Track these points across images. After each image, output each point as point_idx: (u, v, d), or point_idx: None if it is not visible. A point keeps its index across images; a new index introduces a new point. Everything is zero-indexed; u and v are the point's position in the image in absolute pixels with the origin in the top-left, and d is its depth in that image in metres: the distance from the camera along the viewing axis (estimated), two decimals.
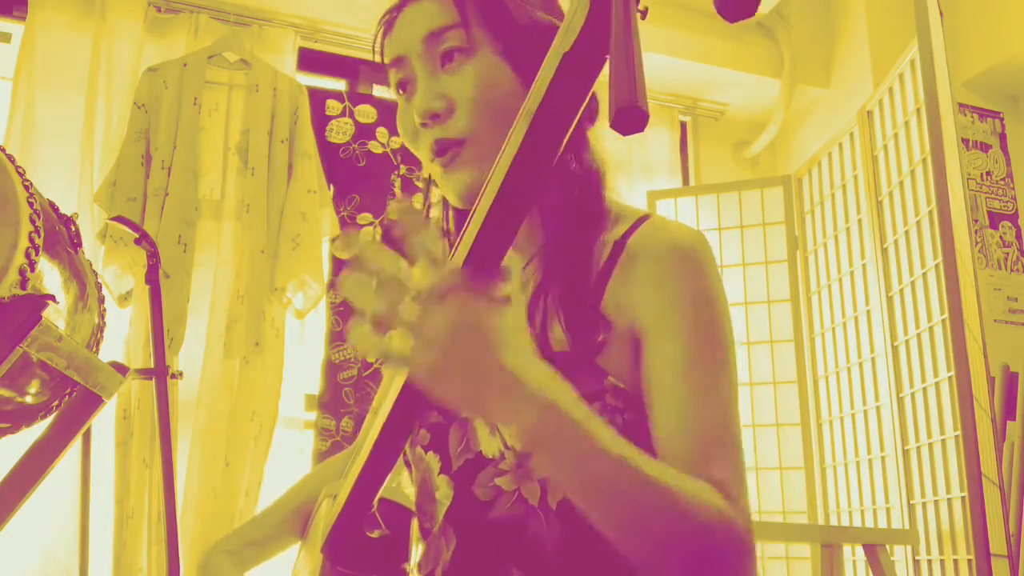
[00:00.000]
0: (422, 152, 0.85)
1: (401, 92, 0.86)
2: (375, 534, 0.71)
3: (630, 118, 0.44)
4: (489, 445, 0.80)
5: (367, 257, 0.54)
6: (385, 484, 0.68)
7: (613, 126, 0.45)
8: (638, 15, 0.48)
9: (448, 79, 0.81)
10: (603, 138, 0.88)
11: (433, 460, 0.85)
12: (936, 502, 2.25)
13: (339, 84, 2.90)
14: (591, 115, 0.87)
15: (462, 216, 0.94)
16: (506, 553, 0.79)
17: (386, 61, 0.86)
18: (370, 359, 0.60)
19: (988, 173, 3.10)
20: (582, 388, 0.72)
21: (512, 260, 0.88)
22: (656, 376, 0.75)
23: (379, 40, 0.88)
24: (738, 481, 0.71)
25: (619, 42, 0.46)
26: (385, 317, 0.53)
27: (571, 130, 0.53)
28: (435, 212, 1.03)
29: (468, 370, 0.55)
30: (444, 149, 0.81)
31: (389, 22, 0.86)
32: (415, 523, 0.78)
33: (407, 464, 0.92)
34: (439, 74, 0.82)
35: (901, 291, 2.45)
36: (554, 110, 0.52)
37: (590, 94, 0.53)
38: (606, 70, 0.49)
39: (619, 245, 0.81)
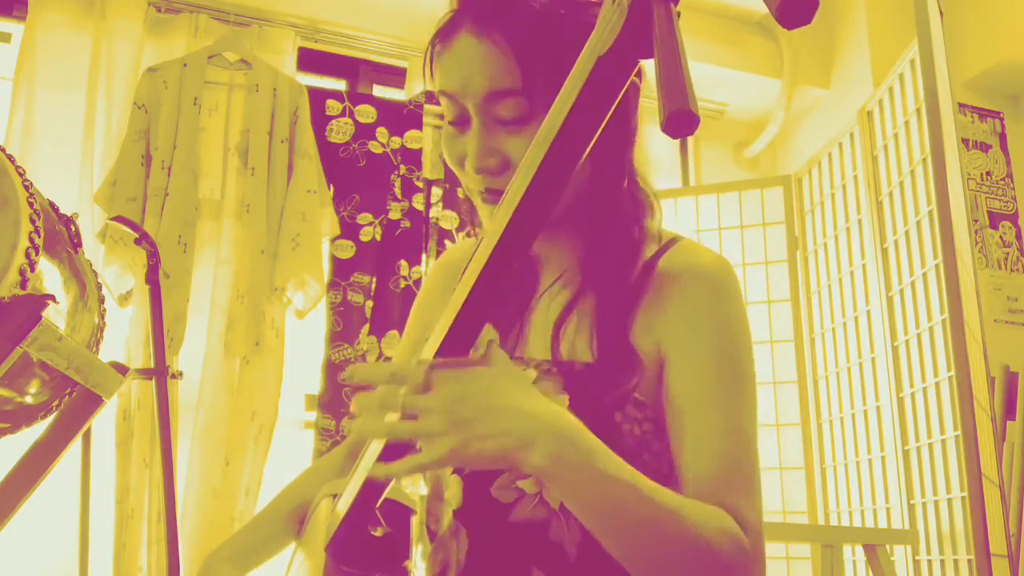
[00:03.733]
0: (466, 178, 0.85)
1: (452, 121, 0.84)
2: (379, 532, 0.71)
3: (682, 122, 0.45)
4: None
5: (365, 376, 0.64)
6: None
7: (665, 130, 0.45)
8: (678, 21, 0.48)
9: (505, 138, 0.80)
10: (648, 165, 0.89)
11: None
12: (936, 502, 2.25)
13: (339, 84, 2.91)
14: (630, 138, 0.86)
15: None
16: (527, 554, 0.80)
17: (437, 86, 0.84)
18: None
19: (988, 173, 3.10)
20: (606, 397, 0.76)
21: (545, 269, 0.90)
22: (678, 400, 0.78)
23: (429, 54, 0.84)
24: (753, 508, 0.74)
25: (665, 47, 0.47)
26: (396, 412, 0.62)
27: (596, 137, 0.53)
28: (434, 212, 1.04)
29: (488, 417, 0.61)
30: (495, 196, 0.82)
31: (445, 44, 0.82)
32: (415, 521, 0.79)
33: None
34: (495, 130, 0.80)
35: (901, 291, 2.45)
36: (585, 113, 0.52)
37: (618, 108, 0.54)
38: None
39: (648, 267, 0.83)
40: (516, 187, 0.57)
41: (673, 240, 0.86)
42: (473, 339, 0.61)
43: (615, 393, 0.78)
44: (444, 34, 0.82)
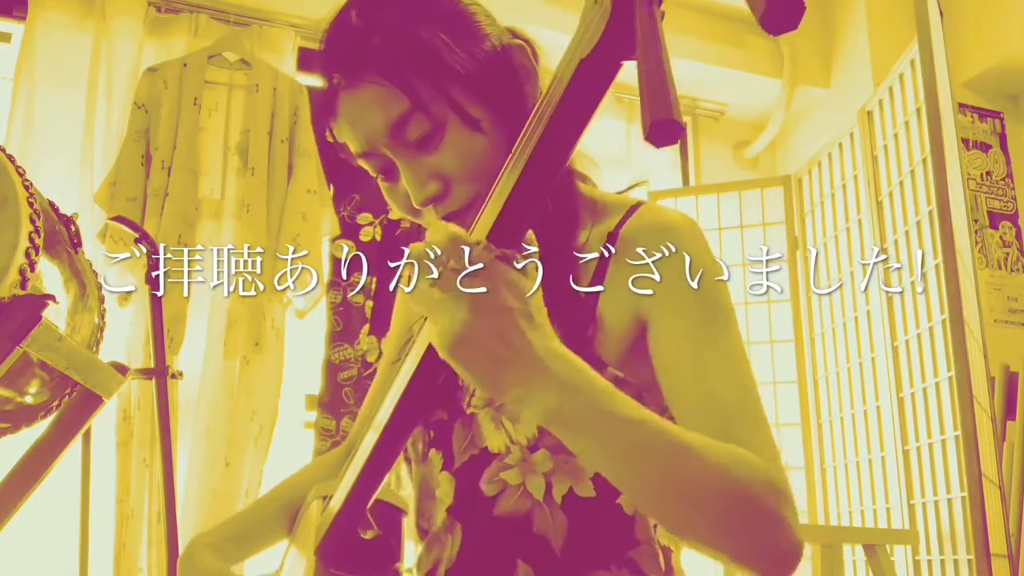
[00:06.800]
0: (425, 220, 0.84)
1: (381, 176, 0.84)
2: (369, 535, 0.71)
3: (665, 132, 0.43)
4: (495, 440, 0.81)
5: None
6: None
7: (648, 139, 0.44)
8: (662, 22, 0.47)
9: (430, 159, 0.79)
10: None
11: (436, 457, 0.85)
12: (936, 502, 2.25)
13: None
14: None
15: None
16: (512, 547, 0.79)
17: (354, 152, 0.84)
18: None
19: (988, 173, 3.10)
20: None
21: None
22: (667, 352, 0.76)
23: (329, 118, 0.85)
24: (768, 439, 0.71)
25: (648, 51, 0.45)
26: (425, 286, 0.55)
27: (583, 135, 0.53)
28: None
29: (496, 342, 0.55)
30: (457, 220, 0.81)
31: (334, 114, 0.83)
32: (407, 522, 0.79)
33: (407, 461, 0.92)
34: (418, 157, 0.79)
35: (901, 291, 2.45)
36: (568, 116, 0.52)
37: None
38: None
39: (612, 236, 0.82)
40: (501, 189, 0.56)
41: (636, 206, 0.85)
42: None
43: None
44: (328, 108, 0.83)
